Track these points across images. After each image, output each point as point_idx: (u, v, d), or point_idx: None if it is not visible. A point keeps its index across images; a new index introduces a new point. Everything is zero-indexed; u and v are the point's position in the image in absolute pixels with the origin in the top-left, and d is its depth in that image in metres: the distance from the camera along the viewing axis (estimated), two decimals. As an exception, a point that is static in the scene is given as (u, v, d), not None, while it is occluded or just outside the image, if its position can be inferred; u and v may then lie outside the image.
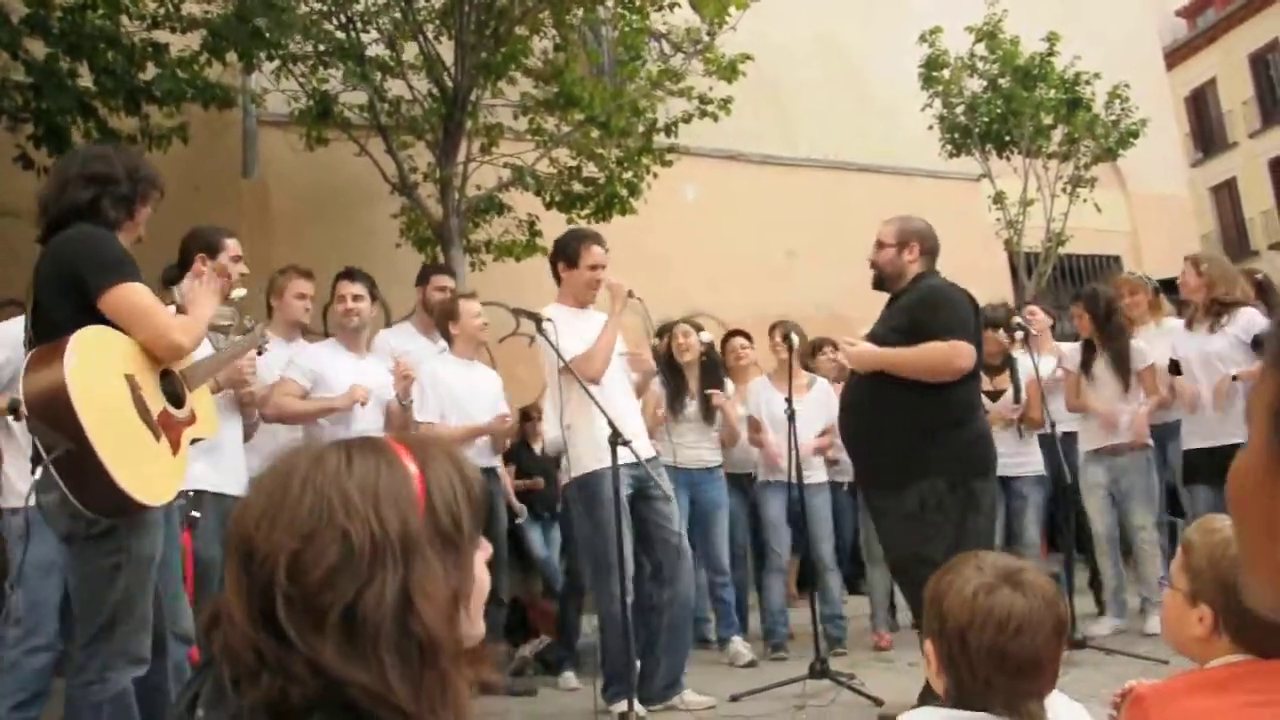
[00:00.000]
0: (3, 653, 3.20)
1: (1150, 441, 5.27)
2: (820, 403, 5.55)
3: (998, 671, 1.38)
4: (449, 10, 6.14)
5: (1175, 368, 5.11)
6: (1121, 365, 5.23)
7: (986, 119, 8.96)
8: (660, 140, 6.81)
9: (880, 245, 3.93)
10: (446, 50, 6.30)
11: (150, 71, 5.42)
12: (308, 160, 6.63)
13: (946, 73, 9.16)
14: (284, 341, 4.30)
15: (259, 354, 3.66)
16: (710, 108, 6.79)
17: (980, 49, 9.13)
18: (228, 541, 0.93)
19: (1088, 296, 5.48)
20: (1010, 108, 8.85)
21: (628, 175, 6.71)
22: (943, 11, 9.08)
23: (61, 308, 2.54)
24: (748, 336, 6.18)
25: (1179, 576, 1.46)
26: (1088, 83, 9.00)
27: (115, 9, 5.30)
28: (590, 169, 6.75)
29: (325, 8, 6.02)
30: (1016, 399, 5.61)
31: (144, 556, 2.59)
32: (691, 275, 8.30)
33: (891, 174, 9.39)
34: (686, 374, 5.49)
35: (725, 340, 6.23)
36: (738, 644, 5.37)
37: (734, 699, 4.23)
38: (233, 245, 3.72)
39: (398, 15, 6.21)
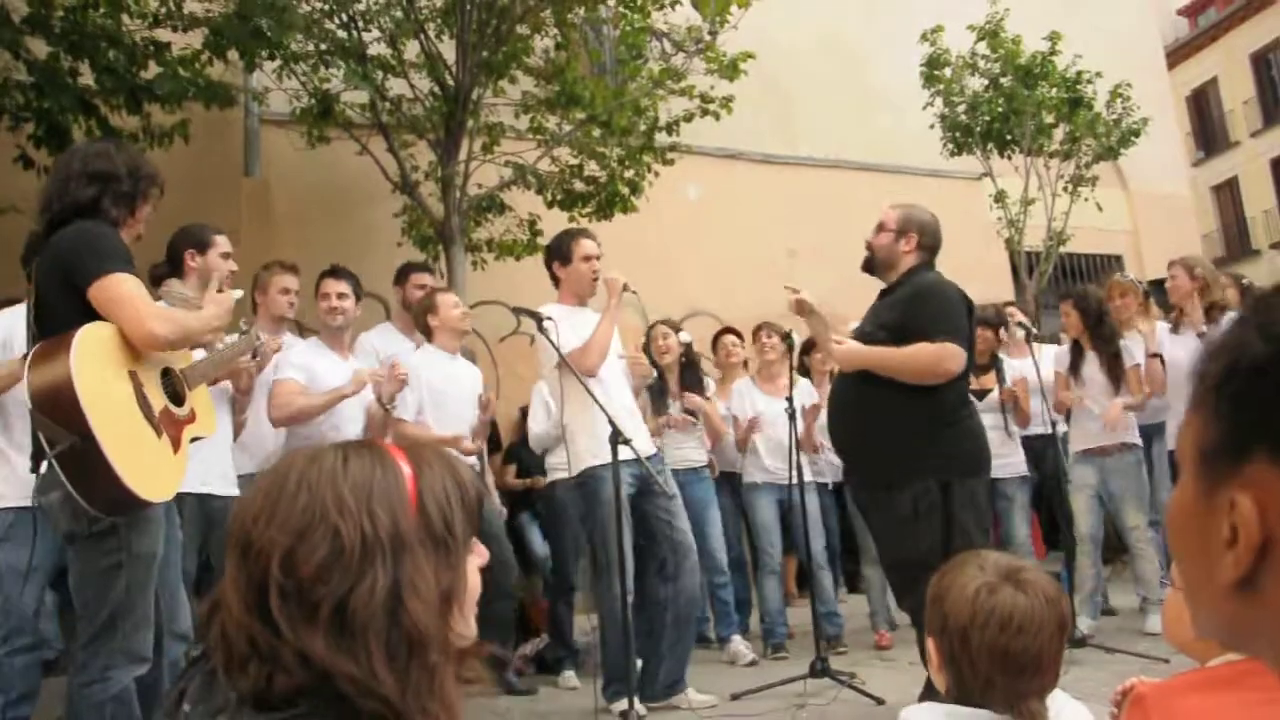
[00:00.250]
0: None
1: (1138, 441, 5.28)
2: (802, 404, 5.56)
3: (999, 670, 1.39)
4: (450, 9, 6.14)
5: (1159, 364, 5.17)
6: (1114, 367, 5.23)
7: (988, 118, 8.95)
8: (661, 139, 6.80)
9: (880, 228, 3.83)
10: (448, 49, 6.29)
11: (152, 70, 5.41)
12: (309, 159, 6.63)
13: (948, 71, 9.15)
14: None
15: (253, 357, 3.64)
16: (712, 106, 6.78)
17: (982, 48, 9.12)
18: (228, 535, 0.96)
19: (1078, 296, 5.48)
20: (1011, 106, 8.84)
21: (629, 174, 6.71)
22: (944, 10, 9.07)
23: (62, 303, 2.55)
24: (739, 335, 6.20)
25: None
26: (1089, 82, 8.99)
27: (117, 8, 5.30)
28: (592, 168, 6.75)
29: (326, 6, 6.01)
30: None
31: (145, 555, 2.59)
32: (693, 274, 8.30)
33: (893, 173, 9.38)
34: (667, 376, 5.50)
35: (717, 338, 6.25)
36: (738, 643, 5.37)
37: (735, 698, 4.24)
38: (221, 242, 3.68)
39: (399, 14, 6.21)
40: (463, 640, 0.99)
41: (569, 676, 5.09)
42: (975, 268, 7.76)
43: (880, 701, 3.92)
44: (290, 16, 5.45)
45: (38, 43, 5.16)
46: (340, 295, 4.44)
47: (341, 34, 6.12)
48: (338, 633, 0.89)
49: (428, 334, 4.70)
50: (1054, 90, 8.94)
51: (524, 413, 6.40)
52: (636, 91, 6.70)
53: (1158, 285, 5.83)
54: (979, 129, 9.00)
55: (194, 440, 2.81)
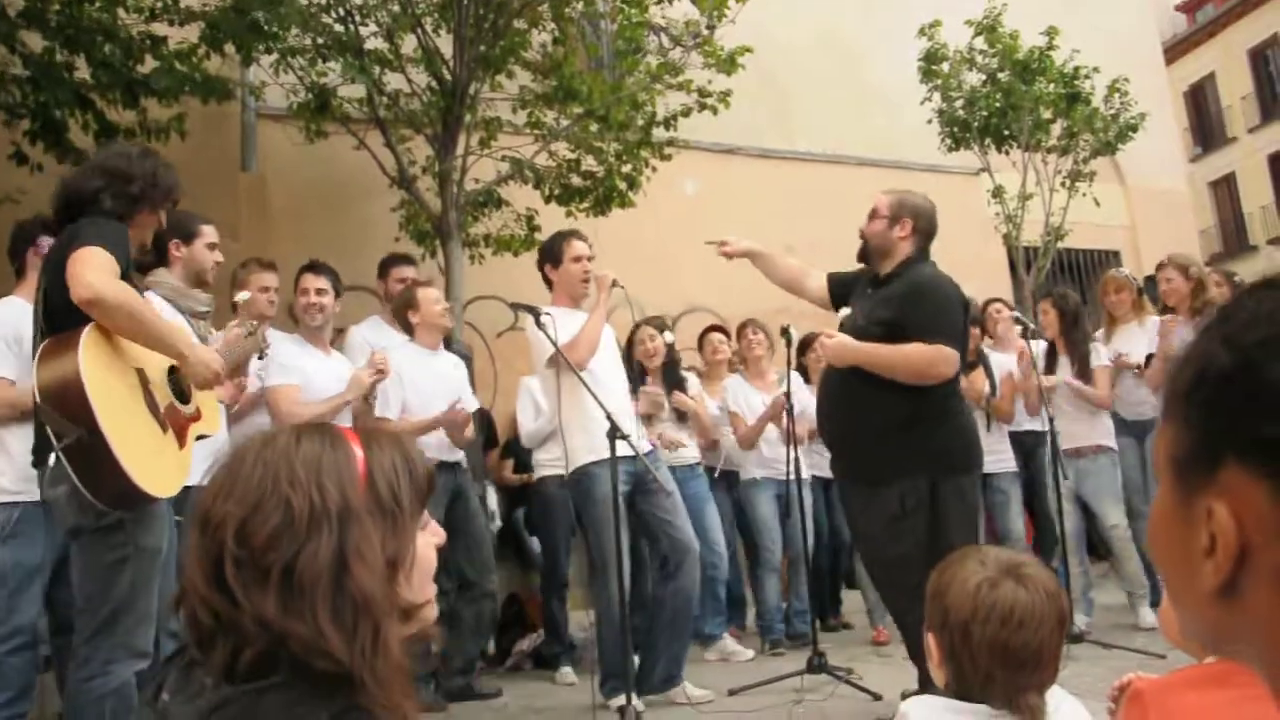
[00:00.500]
0: None
1: (1114, 444, 5.31)
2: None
3: (1000, 665, 1.39)
4: (448, 4, 6.12)
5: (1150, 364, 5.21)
6: (1084, 369, 5.30)
7: (985, 113, 8.94)
8: (659, 134, 6.79)
9: (873, 215, 3.74)
10: (445, 43, 6.28)
11: (148, 65, 5.39)
12: (306, 154, 6.61)
13: (945, 66, 9.14)
14: None
15: (260, 358, 3.63)
16: (709, 101, 6.78)
17: (979, 43, 9.10)
18: (192, 514, 1.03)
19: (1058, 296, 5.52)
20: (1009, 102, 8.83)
21: (626, 169, 6.70)
22: (942, 5, 9.06)
23: (69, 299, 2.54)
24: (726, 332, 6.23)
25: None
26: (1087, 77, 8.98)
27: (113, 1, 5.27)
28: (589, 162, 6.74)
29: (324, 1, 6.00)
30: (992, 394, 5.64)
31: (151, 550, 2.60)
32: (690, 269, 8.28)
33: (890, 168, 9.36)
34: (653, 377, 5.51)
35: (703, 335, 6.28)
36: (729, 641, 5.40)
37: (732, 693, 4.24)
38: (208, 232, 3.64)
39: (396, 8, 6.19)
40: (411, 605, 1.04)
41: (566, 672, 5.09)
42: (973, 263, 7.77)
43: (877, 697, 3.93)
44: (287, 10, 5.43)
45: (33, 37, 5.14)
46: (319, 291, 4.40)
47: (339, 28, 6.10)
48: (286, 594, 0.94)
49: (409, 329, 4.66)
50: (1052, 85, 8.93)
51: (520, 409, 6.42)
52: (634, 86, 6.68)
53: (1153, 281, 5.84)
54: (977, 124, 8.99)
55: (199, 438, 2.82)
